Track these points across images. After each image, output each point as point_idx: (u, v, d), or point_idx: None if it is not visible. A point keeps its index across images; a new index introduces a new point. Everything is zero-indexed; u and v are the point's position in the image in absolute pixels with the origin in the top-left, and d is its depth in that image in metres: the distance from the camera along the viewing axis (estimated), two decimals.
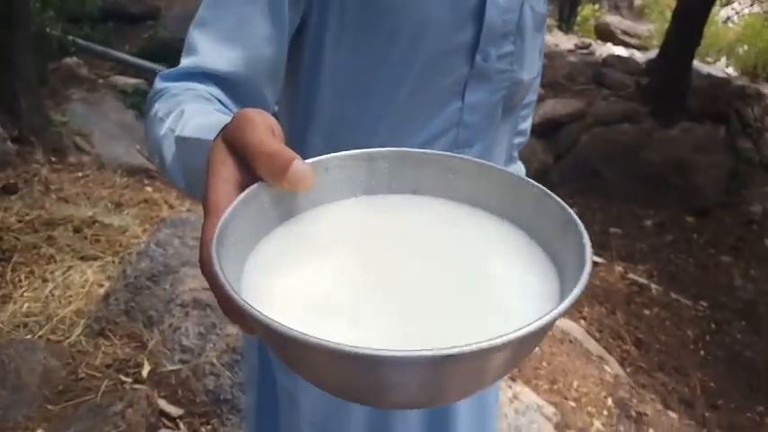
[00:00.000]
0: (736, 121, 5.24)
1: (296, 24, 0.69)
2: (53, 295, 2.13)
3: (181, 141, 0.52)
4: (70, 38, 4.79)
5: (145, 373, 1.68)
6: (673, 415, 2.28)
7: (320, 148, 0.73)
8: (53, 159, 3.43)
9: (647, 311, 3.61)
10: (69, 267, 2.30)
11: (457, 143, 0.76)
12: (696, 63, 5.72)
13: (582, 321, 3.19)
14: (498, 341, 0.26)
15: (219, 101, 0.62)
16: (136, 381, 1.65)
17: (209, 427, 1.54)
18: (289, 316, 0.30)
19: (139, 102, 4.40)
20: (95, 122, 3.80)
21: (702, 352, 3.37)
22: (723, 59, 9.50)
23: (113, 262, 2.33)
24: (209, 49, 0.64)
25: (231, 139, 0.38)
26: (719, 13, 10.15)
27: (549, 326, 0.28)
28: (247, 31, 0.65)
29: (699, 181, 4.84)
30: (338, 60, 0.70)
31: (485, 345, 0.26)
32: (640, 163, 4.85)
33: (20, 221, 2.56)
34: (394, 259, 0.37)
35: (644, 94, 5.42)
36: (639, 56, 7.61)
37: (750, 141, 5.14)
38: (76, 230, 2.54)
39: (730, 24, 10.39)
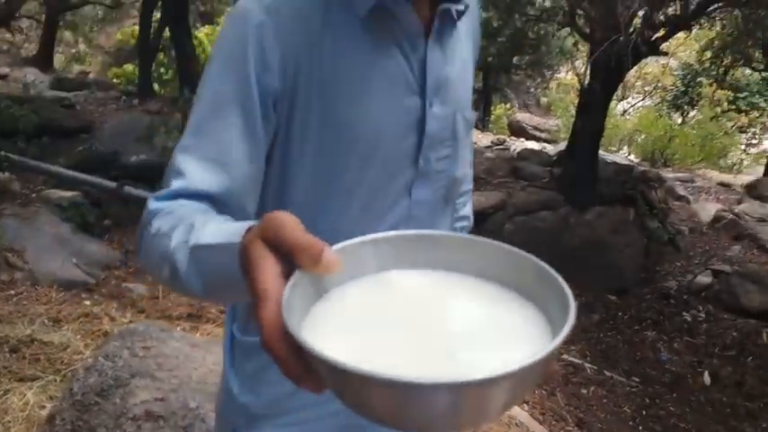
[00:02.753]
0: (642, 203, 5.69)
1: (270, 141, 0.76)
2: None
3: (198, 249, 0.59)
4: (2, 153, 4.74)
5: None
6: None
7: None
8: None
9: (584, 390, 3.75)
10: (6, 391, 2.21)
11: None
12: (601, 152, 6.24)
13: (525, 406, 3.28)
14: (514, 368, 0.35)
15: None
16: None
17: None
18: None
19: (75, 215, 4.34)
20: (28, 237, 3.72)
21: (641, 427, 3.51)
22: (625, 148, 10.37)
23: (55, 381, 2.25)
24: (195, 172, 0.70)
25: (270, 237, 0.46)
26: (617, 107, 11.17)
27: (548, 358, 0.38)
28: (228, 153, 0.72)
29: (616, 261, 5.17)
30: (303, 168, 0.78)
31: (502, 372, 0.35)
32: (561, 247, 5.13)
33: None
34: (405, 321, 0.46)
35: (558, 183, 5.84)
36: (550, 148, 8.22)
37: (657, 221, 5.58)
38: (14, 351, 2.45)
39: (627, 116, 11.43)
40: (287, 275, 0.45)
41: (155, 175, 5.03)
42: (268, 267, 0.45)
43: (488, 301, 0.49)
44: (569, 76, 11.22)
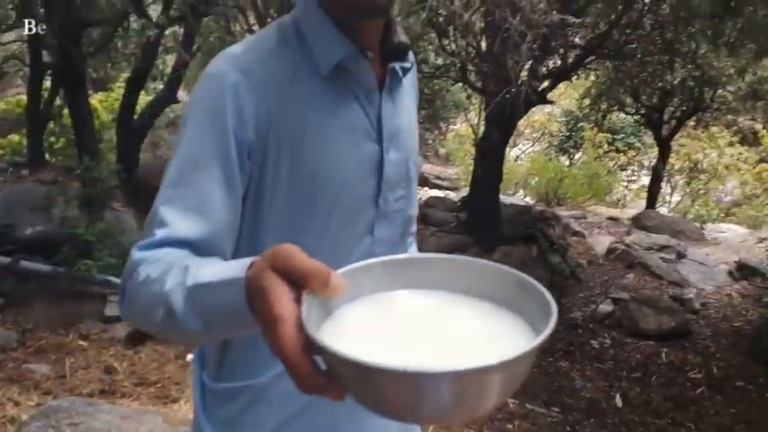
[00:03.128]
0: (543, 240, 6.02)
1: (245, 188, 0.82)
2: None
3: (197, 288, 0.62)
4: None
5: None
6: None
7: None
8: None
9: (509, 425, 3.85)
10: None
11: None
12: (500, 196, 6.58)
13: None
14: (511, 356, 0.42)
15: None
16: None
17: None
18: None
19: None
20: None
21: None
22: (521, 191, 10.96)
23: None
24: (178, 221, 0.76)
25: (280, 266, 0.52)
26: (510, 153, 11.83)
27: (534, 351, 0.44)
28: (209, 202, 0.78)
29: None
30: (275, 213, 0.85)
31: (501, 360, 0.41)
32: None
33: None
34: (409, 322, 0.52)
35: (465, 226, 6.08)
36: (453, 195, 8.55)
37: (558, 256, 5.92)
38: None
39: (520, 161, 12.13)
40: (297, 300, 0.50)
41: (54, 246, 4.77)
42: (282, 293, 0.51)
43: (477, 312, 0.54)
44: (464, 127, 11.78)
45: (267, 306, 0.50)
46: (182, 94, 8.48)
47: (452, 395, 0.43)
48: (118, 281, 4.10)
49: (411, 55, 0.95)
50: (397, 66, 0.91)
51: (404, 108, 0.96)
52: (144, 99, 8.12)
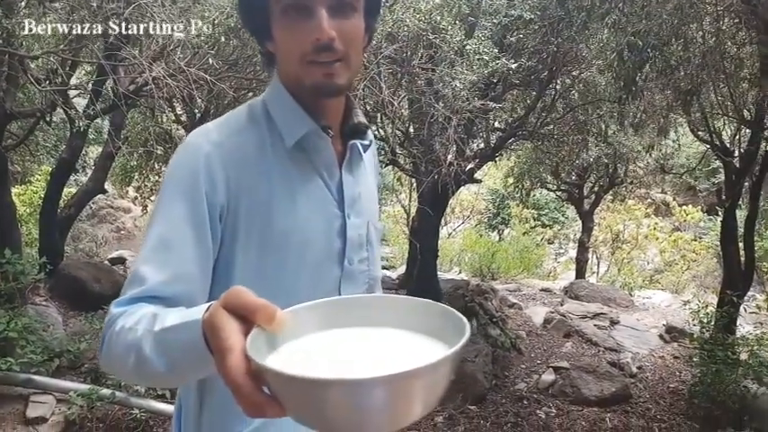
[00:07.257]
0: (482, 313, 6.09)
1: (217, 249, 0.89)
2: None
3: (163, 332, 0.70)
4: None
5: None
6: None
7: None
8: None
9: None
10: None
11: None
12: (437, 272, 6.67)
13: None
14: (430, 362, 0.47)
15: None
16: None
17: None
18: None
19: None
20: None
21: None
22: (455, 267, 11.14)
23: None
24: (154, 279, 0.83)
25: (231, 304, 0.59)
26: (442, 231, 12.10)
27: (448, 359, 0.50)
28: (183, 263, 0.85)
29: (470, 371, 5.39)
30: (247, 270, 0.91)
31: (420, 365, 0.47)
32: None
33: None
34: (345, 353, 0.58)
35: None
36: (390, 273, 8.60)
37: (498, 329, 5.98)
38: None
39: (452, 238, 12.40)
40: (246, 334, 0.57)
41: None
42: (232, 328, 0.57)
43: (405, 340, 0.61)
44: (396, 208, 12.02)
45: (219, 339, 0.57)
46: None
47: (380, 400, 0.47)
48: (42, 379, 3.83)
49: (370, 133, 1.07)
50: (357, 143, 1.02)
51: (363, 179, 1.07)
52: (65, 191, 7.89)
